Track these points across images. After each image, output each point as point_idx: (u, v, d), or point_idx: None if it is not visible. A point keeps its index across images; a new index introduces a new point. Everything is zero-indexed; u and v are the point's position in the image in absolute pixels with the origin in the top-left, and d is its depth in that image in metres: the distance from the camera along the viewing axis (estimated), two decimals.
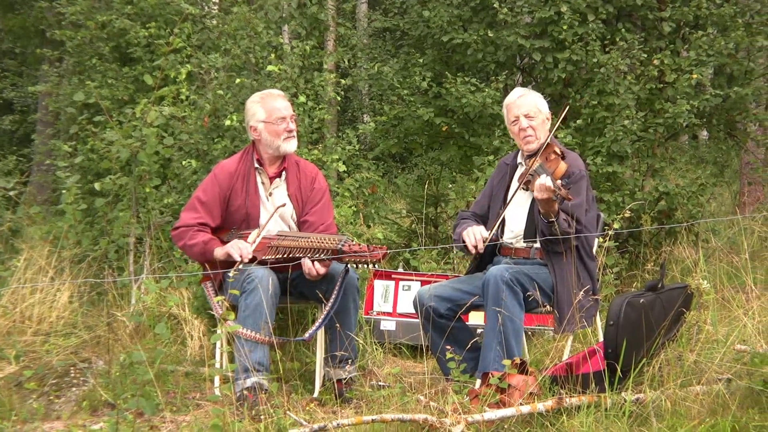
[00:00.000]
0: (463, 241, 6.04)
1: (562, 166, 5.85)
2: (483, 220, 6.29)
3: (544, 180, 5.57)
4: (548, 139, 6.08)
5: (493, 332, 5.60)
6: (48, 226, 8.81)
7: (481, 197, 6.47)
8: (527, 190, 6.01)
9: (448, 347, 5.70)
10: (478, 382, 5.67)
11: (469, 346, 5.83)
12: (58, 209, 9.06)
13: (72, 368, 6.21)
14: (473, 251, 5.98)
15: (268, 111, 6.20)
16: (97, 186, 7.93)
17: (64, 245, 8.18)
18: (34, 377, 6.00)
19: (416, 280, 7.78)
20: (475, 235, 5.96)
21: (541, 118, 6.14)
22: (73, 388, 5.99)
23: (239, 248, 5.83)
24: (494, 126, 9.90)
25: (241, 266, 5.76)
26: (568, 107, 6.46)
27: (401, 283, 7.84)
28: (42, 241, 8.56)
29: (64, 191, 8.22)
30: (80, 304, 7.66)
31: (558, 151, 5.98)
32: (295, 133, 6.22)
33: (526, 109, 6.11)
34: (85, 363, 6.35)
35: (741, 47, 10.03)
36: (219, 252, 5.91)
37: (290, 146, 6.20)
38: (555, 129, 6.24)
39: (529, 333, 7.29)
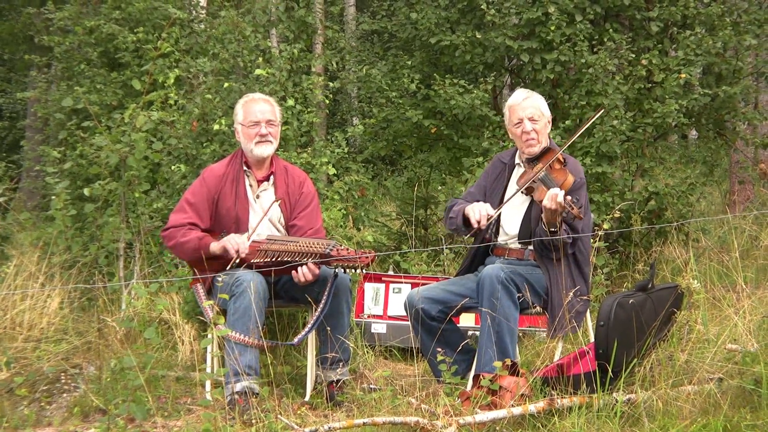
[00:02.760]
0: (464, 216, 6.01)
1: (570, 179, 5.84)
2: None
3: (558, 193, 5.57)
4: (550, 144, 6.11)
5: (488, 333, 5.61)
6: (38, 232, 8.79)
7: (474, 188, 6.41)
8: (527, 195, 6.00)
9: (439, 349, 5.70)
10: (470, 383, 5.68)
11: (460, 348, 5.83)
12: (47, 215, 9.06)
13: (63, 374, 6.21)
14: (476, 226, 5.90)
15: (245, 114, 6.23)
16: (86, 191, 7.92)
17: (54, 251, 8.17)
18: (25, 384, 6.01)
19: (406, 283, 7.78)
20: (480, 211, 5.89)
21: (543, 121, 6.13)
22: (64, 394, 5.99)
23: (236, 243, 5.84)
24: (483, 128, 9.90)
25: (229, 270, 5.76)
26: (595, 116, 6.39)
27: (392, 285, 7.83)
28: (32, 247, 8.54)
29: (53, 197, 8.22)
30: (71, 309, 7.64)
31: (561, 158, 5.98)
32: (269, 138, 6.20)
33: (531, 112, 6.09)
34: (76, 369, 6.35)
35: (729, 46, 10.05)
36: (215, 246, 5.90)
37: (262, 150, 6.19)
38: (575, 137, 6.20)
39: (521, 334, 7.29)
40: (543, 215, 5.72)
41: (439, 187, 10.92)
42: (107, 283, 7.80)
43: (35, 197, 14.08)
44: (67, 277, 8.03)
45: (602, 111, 6.22)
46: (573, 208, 5.54)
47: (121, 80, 10.44)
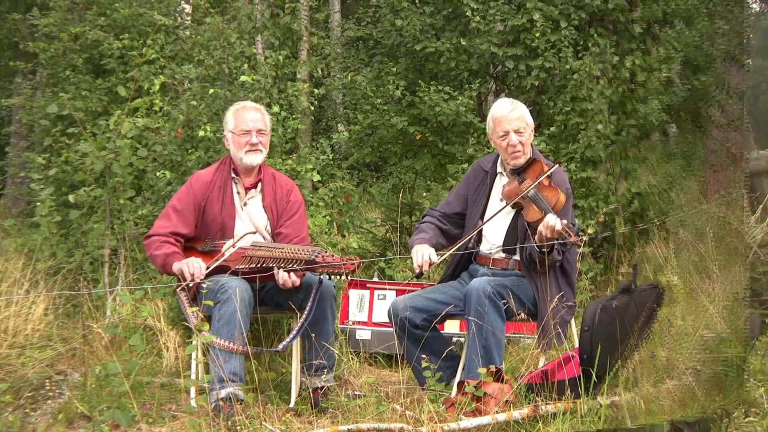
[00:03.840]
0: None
1: (562, 198, 5.82)
2: (452, 220, 6.28)
3: (554, 222, 5.57)
4: (533, 153, 6.11)
5: (475, 346, 5.60)
6: (22, 238, 8.77)
7: (452, 197, 6.40)
8: (514, 209, 5.99)
9: (424, 356, 5.70)
10: (454, 390, 5.69)
11: (444, 355, 5.84)
12: (32, 222, 9.04)
13: (47, 381, 6.20)
14: (417, 270, 5.92)
15: (236, 122, 6.22)
16: (71, 198, 7.91)
17: (39, 257, 8.15)
18: (10, 390, 6.00)
19: (391, 289, 7.78)
20: (423, 256, 5.91)
21: (528, 132, 6.07)
22: (49, 401, 5.98)
23: (193, 267, 5.81)
24: (468, 134, 9.92)
25: (206, 281, 5.75)
26: (552, 167, 6.28)
27: (376, 292, 7.83)
28: (17, 254, 8.52)
29: (38, 203, 8.21)
30: (55, 316, 7.62)
31: (549, 174, 5.96)
32: (260, 147, 6.20)
33: (517, 124, 6.02)
34: (60, 375, 6.34)
35: (705, 36, 10.12)
36: (176, 267, 5.89)
37: (252, 159, 6.19)
38: (537, 182, 6.10)
39: (506, 342, 7.30)
40: (536, 237, 5.70)
41: (424, 194, 10.92)
42: (92, 289, 7.78)
43: (20, 204, 14.00)
44: (52, 283, 8.01)
45: (556, 166, 6.17)
46: (570, 236, 5.54)
47: (107, 87, 10.41)
